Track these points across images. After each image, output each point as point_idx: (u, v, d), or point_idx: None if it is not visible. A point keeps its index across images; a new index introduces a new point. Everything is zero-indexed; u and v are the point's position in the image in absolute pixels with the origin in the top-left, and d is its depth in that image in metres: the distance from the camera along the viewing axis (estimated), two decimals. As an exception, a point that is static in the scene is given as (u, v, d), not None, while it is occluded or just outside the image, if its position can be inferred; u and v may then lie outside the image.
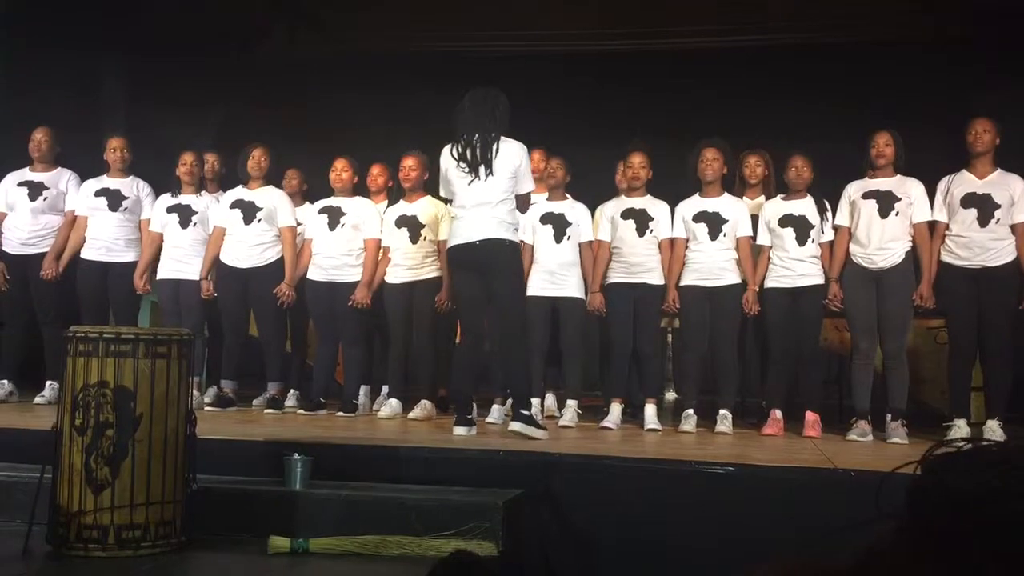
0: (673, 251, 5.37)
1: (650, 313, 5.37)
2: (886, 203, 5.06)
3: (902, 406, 4.99)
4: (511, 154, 4.71)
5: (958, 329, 5.02)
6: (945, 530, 0.80)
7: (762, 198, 5.53)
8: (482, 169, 4.67)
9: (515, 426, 4.50)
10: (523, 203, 4.86)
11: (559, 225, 5.55)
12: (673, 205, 5.42)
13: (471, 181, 4.68)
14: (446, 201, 5.90)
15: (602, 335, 5.75)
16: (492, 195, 4.66)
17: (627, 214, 5.41)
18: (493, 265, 4.67)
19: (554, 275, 5.52)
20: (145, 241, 6.05)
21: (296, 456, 3.74)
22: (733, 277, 5.29)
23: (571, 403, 5.41)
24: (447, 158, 4.80)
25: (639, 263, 5.36)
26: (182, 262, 5.94)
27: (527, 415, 4.57)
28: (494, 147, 4.68)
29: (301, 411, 5.76)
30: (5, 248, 6.03)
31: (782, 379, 5.28)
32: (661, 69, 7.47)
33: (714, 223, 5.27)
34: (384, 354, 5.93)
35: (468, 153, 4.70)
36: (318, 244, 5.83)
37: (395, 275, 5.74)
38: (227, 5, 7.46)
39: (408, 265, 5.71)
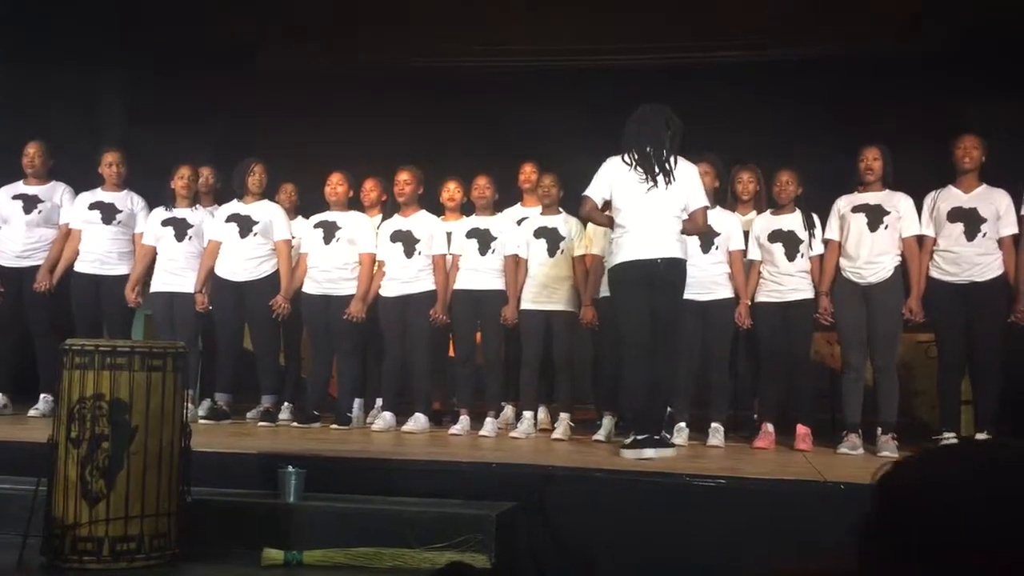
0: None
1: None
2: (875, 217, 5.11)
3: (892, 419, 5.02)
4: (687, 171, 4.64)
5: (947, 344, 5.07)
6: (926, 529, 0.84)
7: (754, 213, 5.58)
8: (662, 178, 4.54)
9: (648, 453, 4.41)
10: (703, 218, 4.69)
11: (552, 239, 5.59)
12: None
13: (649, 189, 4.54)
14: (438, 214, 5.97)
15: (594, 349, 5.78)
16: (669, 209, 4.56)
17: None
18: (668, 284, 4.58)
19: (547, 289, 5.55)
20: (138, 255, 6.05)
21: (290, 468, 3.76)
22: (725, 291, 5.33)
23: (564, 416, 5.44)
24: (616, 168, 4.62)
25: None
26: (177, 275, 5.95)
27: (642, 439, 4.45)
28: (672, 159, 4.59)
29: (295, 424, 5.77)
30: (-1, 261, 6.05)
31: (773, 392, 5.31)
32: (652, 84, 7.52)
33: (706, 236, 5.31)
34: (378, 367, 5.95)
35: (648, 161, 4.55)
36: (313, 258, 5.86)
37: (389, 289, 5.77)
38: (223, 19, 7.50)
39: (403, 279, 5.73)
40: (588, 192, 4.69)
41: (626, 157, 4.61)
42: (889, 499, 0.89)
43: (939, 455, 0.91)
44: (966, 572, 0.81)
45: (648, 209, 4.55)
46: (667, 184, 4.55)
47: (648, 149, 4.57)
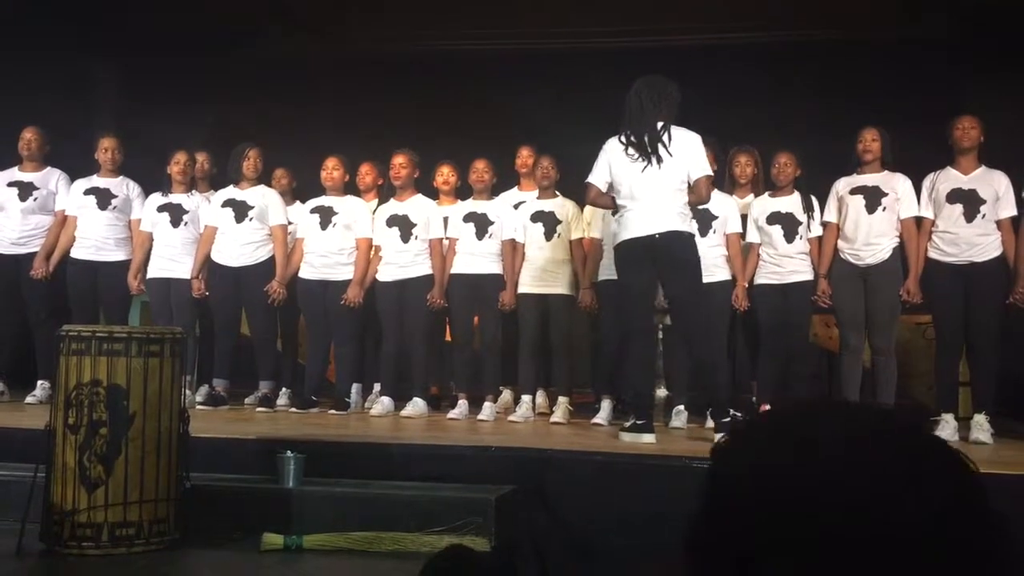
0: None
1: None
2: (873, 198, 5.10)
3: (890, 401, 5.03)
4: (685, 141, 4.52)
5: (944, 325, 5.06)
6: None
7: (751, 196, 5.57)
8: (654, 158, 4.45)
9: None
10: (704, 188, 4.53)
11: (549, 223, 5.58)
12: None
13: (644, 168, 4.47)
14: (434, 198, 5.95)
15: (593, 332, 5.77)
16: (668, 183, 4.46)
17: (618, 211, 5.42)
18: (672, 260, 4.46)
19: (545, 272, 5.54)
20: (136, 241, 6.04)
21: (289, 454, 3.76)
22: (723, 274, 5.32)
23: (562, 400, 5.44)
24: (614, 148, 4.56)
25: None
26: (173, 261, 5.94)
27: (727, 421, 4.38)
28: (666, 135, 4.50)
29: (293, 409, 5.77)
30: (-4, 248, 6.03)
31: (771, 375, 5.32)
32: (651, 65, 7.48)
33: (704, 219, 5.28)
34: (376, 352, 5.95)
35: (639, 140, 4.49)
36: (310, 243, 5.85)
37: (386, 273, 5.76)
38: (218, 5, 7.46)
39: (399, 263, 5.72)
40: (591, 179, 4.65)
41: (621, 137, 4.57)
42: (720, 485, 0.70)
43: (768, 427, 0.72)
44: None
45: (647, 186, 4.48)
46: (659, 163, 4.47)
47: (644, 127, 4.51)
